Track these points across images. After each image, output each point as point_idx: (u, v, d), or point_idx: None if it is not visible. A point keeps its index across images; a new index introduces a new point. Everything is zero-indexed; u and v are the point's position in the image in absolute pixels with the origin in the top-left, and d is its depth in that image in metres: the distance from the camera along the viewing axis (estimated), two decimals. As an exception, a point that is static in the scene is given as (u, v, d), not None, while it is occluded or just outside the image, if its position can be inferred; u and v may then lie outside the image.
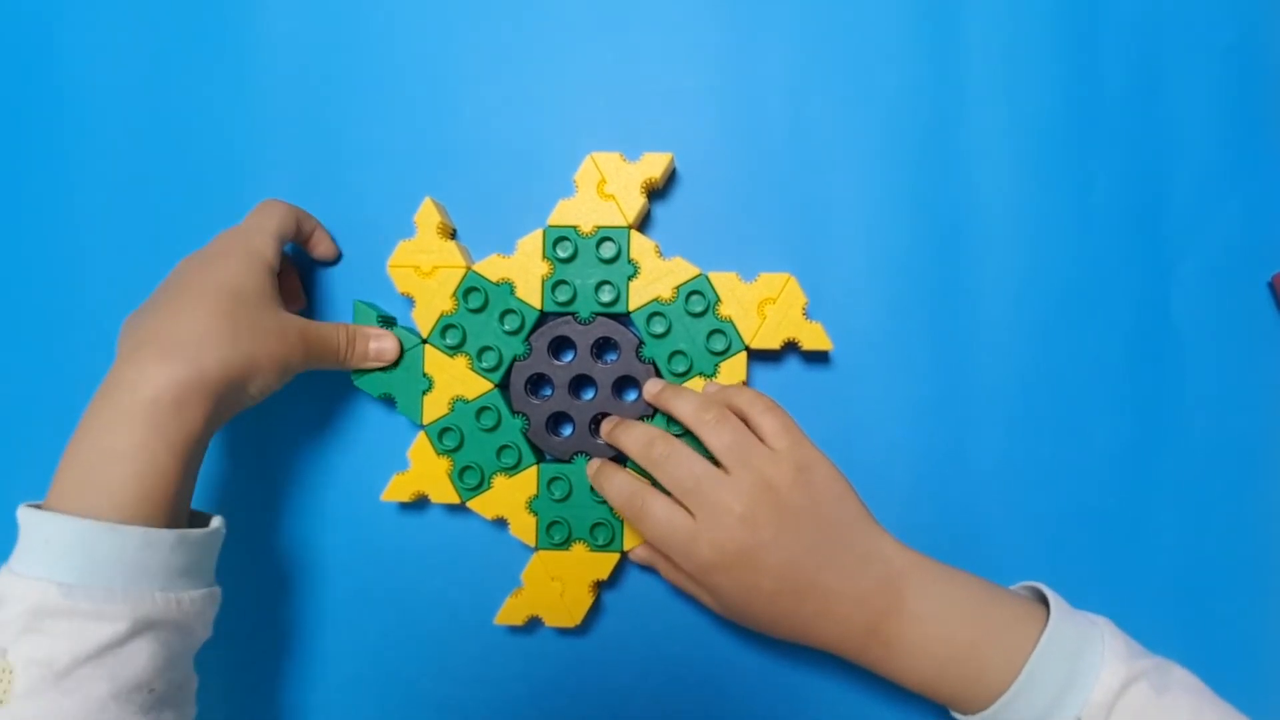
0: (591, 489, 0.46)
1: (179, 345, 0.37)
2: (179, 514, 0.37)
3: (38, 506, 0.35)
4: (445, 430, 0.47)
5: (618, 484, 0.43)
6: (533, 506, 0.47)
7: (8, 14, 0.51)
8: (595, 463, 0.46)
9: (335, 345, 0.45)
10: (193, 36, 0.50)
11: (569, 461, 0.47)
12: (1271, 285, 0.48)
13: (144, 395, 0.36)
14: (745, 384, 0.46)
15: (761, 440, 0.42)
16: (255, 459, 0.49)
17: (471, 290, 0.46)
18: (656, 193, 0.49)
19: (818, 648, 0.42)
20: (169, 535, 0.35)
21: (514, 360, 0.47)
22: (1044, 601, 0.41)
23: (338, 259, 0.49)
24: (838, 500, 0.41)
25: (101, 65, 0.50)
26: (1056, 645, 0.38)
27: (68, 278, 0.50)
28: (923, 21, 0.49)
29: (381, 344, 0.46)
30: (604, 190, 0.46)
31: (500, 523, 0.48)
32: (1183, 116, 0.48)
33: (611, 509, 0.46)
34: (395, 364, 0.47)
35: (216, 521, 0.39)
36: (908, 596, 0.40)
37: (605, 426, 0.46)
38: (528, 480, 0.47)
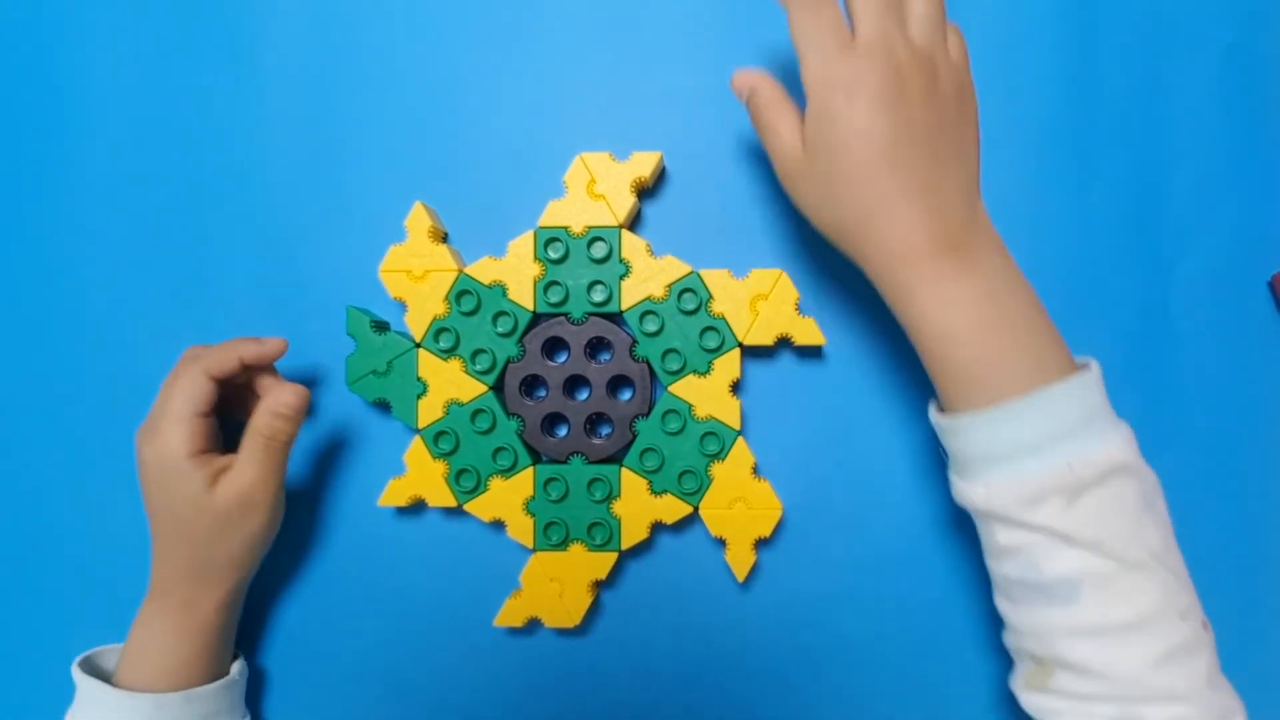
0: (588, 488, 0.46)
1: (163, 583, 0.45)
2: (211, 668, 0.45)
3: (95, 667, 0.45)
4: (440, 434, 0.47)
5: None
6: (529, 508, 0.47)
7: (7, 14, 0.51)
8: None
9: (265, 459, 0.44)
10: (185, 43, 0.50)
11: (565, 462, 0.47)
12: (1271, 285, 0.48)
13: (158, 606, 0.45)
14: (739, 382, 0.46)
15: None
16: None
17: (464, 293, 0.47)
18: (646, 192, 0.49)
19: (855, 245, 0.37)
20: (175, 697, 0.43)
21: (508, 362, 0.47)
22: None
23: (284, 349, 0.45)
24: (969, 133, 0.39)
25: (98, 68, 0.50)
26: (1086, 388, 0.35)
27: (67, 277, 0.50)
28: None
29: (281, 397, 0.44)
30: (594, 190, 0.46)
31: (497, 525, 0.48)
32: (1183, 116, 0.48)
33: (609, 508, 0.46)
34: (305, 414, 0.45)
35: (234, 669, 0.46)
36: (976, 247, 0.36)
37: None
38: (524, 482, 0.47)
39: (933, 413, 0.39)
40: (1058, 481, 0.34)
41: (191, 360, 0.44)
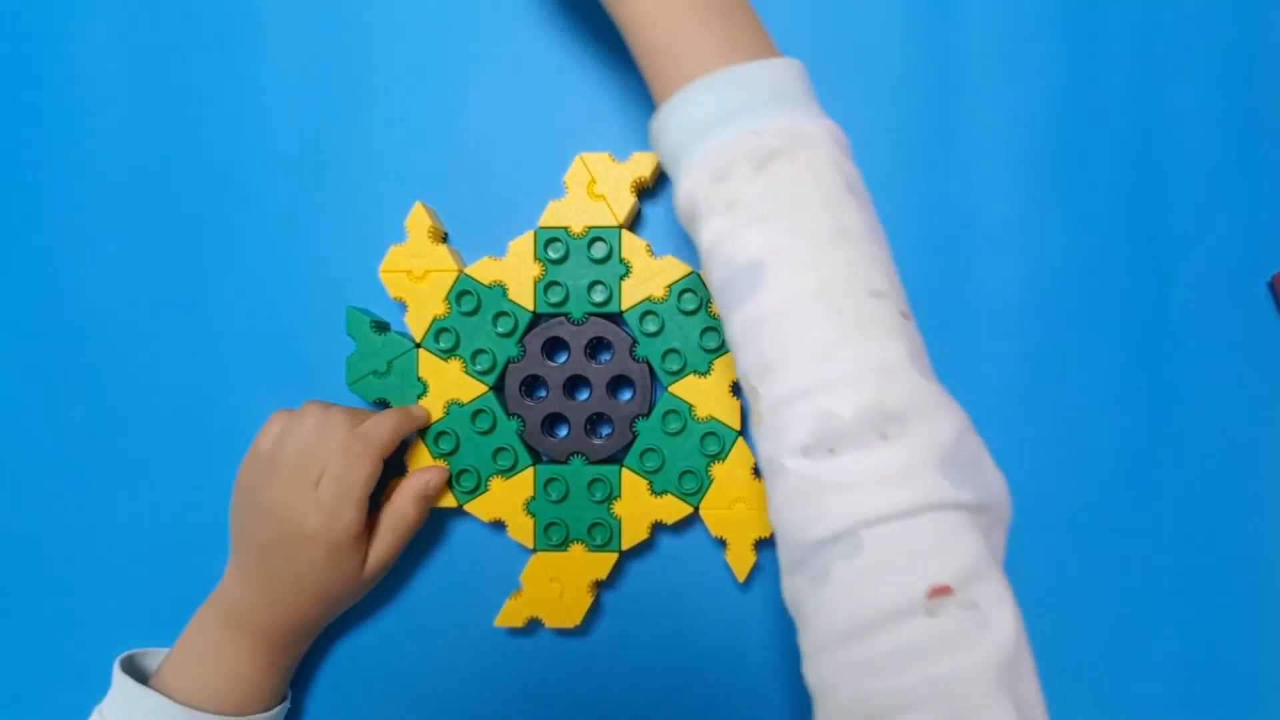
0: (588, 488, 0.46)
1: (248, 616, 0.44)
2: (259, 701, 0.45)
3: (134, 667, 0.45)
4: (441, 434, 0.47)
5: None
6: (530, 508, 0.47)
7: (7, 14, 0.51)
8: None
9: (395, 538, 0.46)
10: (185, 44, 0.50)
11: (565, 463, 0.47)
12: (1271, 285, 0.48)
13: (233, 631, 0.45)
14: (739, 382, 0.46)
15: None
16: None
17: (464, 293, 0.46)
18: (646, 192, 0.49)
19: None
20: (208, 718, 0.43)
21: (508, 362, 0.47)
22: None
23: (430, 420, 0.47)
24: None
25: (97, 69, 0.50)
26: (786, 71, 0.33)
27: (66, 278, 0.50)
28: (921, 18, 0.48)
29: (429, 479, 0.46)
30: (594, 190, 0.46)
31: (498, 525, 0.48)
32: (1183, 116, 0.48)
33: (609, 508, 0.46)
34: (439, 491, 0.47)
35: (275, 710, 0.46)
36: None
37: None
38: (524, 482, 0.47)
39: (650, 125, 0.35)
40: (743, 148, 0.31)
41: (363, 440, 0.43)
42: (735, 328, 0.32)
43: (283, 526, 0.43)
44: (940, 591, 0.27)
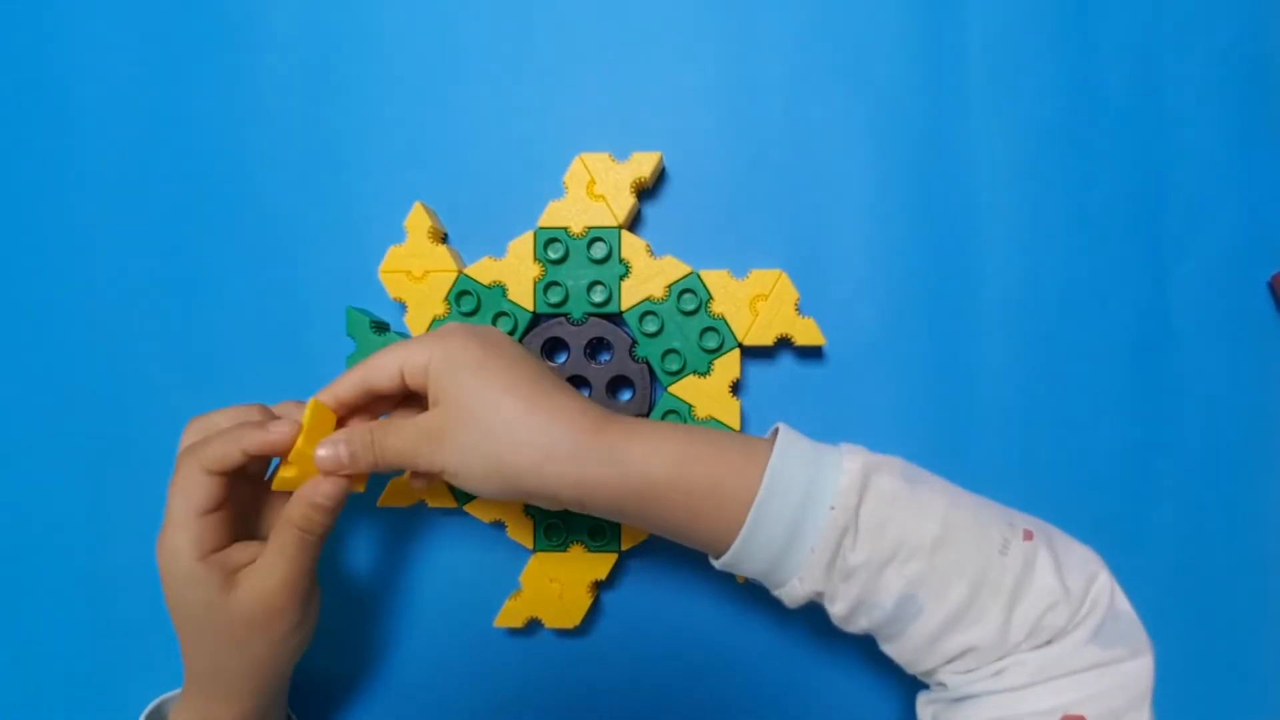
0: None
1: (188, 691, 0.42)
2: None
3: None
4: (440, 434, 0.47)
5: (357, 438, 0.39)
6: (529, 508, 0.47)
7: (7, 14, 0.51)
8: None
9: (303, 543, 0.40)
10: (184, 45, 0.50)
11: (565, 463, 0.47)
12: (1271, 285, 0.48)
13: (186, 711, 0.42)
14: (739, 382, 0.46)
15: None
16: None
17: (464, 294, 0.47)
18: (646, 192, 0.49)
19: (536, 489, 0.37)
20: None
21: (507, 363, 0.47)
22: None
23: (294, 437, 0.39)
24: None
25: (97, 72, 0.50)
26: (793, 447, 0.36)
27: (66, 280, 0.50)
28: (920, 18, 0.48)
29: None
30: (593, 191, 0.46)
31: (498, 525, 0.48)
32: (1183, 116, 0.48)
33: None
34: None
35: None
36: (626, 426, 0.37)
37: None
38: (524, 482, 0.47)
39: (715, 563, 0.38)
40: (834, 528, 0.35)
41: (189, 454, 0.39)
42: (905, 646, 0.36)
43: (166, 586, 0.39)
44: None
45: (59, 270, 0.50)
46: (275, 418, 0.41)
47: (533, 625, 0.49)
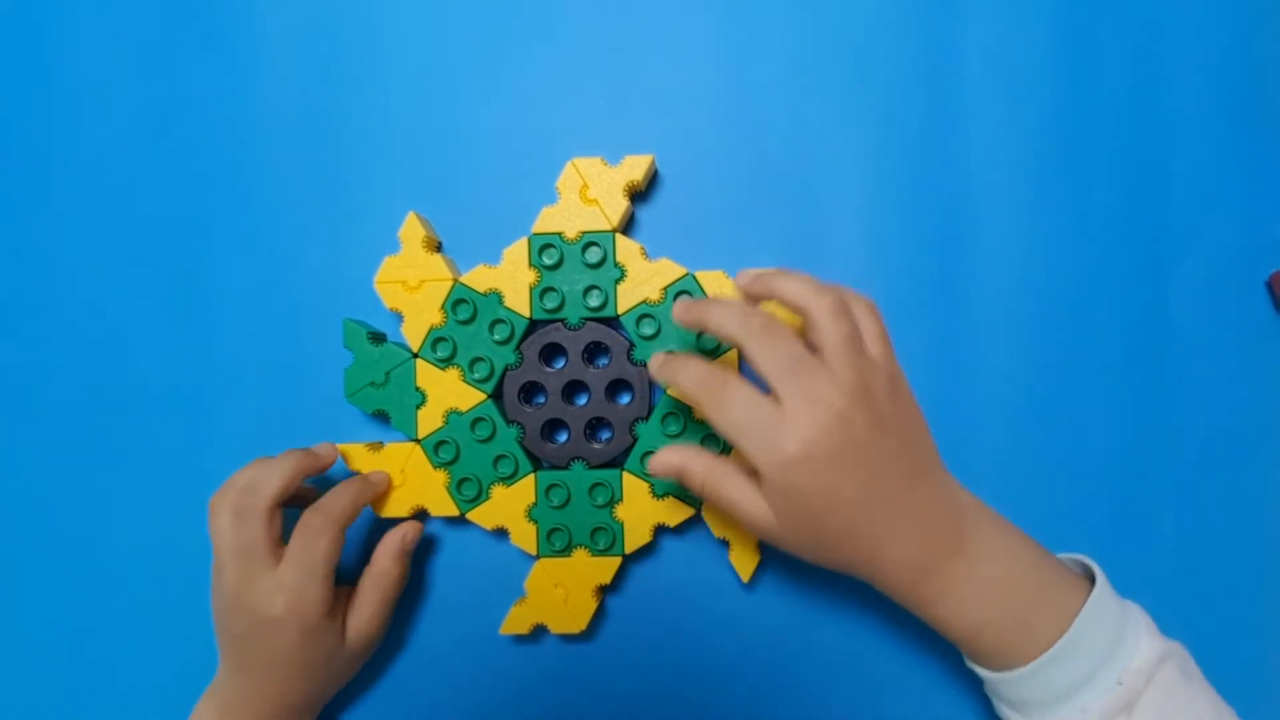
0: (590, 493, 0.46)
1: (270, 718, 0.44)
2: None
3: None
4: (441, 443, 0.47)
5: (692, 367, 0.39)
6: (532, 515, 0.47)
7: (6, 15, 0.51)
8: (659, 356, 0.41)
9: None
10: (179, 55, 0.50)
11: (566, 468, 0.47)
12: (1269, 284, 0.48)
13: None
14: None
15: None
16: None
17: (460, 302, 0.46)
18: (639, 195, 0.49)
19: (865, 577, 0.39)
20: None
21: (506, 370, 0.47)
22: (1087, 573, 0.40)
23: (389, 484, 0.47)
24: (918, 423, 0.40)
25: (90, 79, 0.50)
26: (1103, 609, 0.38)
27: (63, 294, 0.51)
28: (919, 18, 0.48)
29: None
30: (587, 195, 0.46)
31: (500, 533, 0.48)
32: (1183, 116, 0.48)
33: (612, 513, 0.46)
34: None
35: None
36: (971, 539, 0.39)
37: (654, 361, 0.41)
38: (526, 489, 0.47)
39: (976, 668, 0.40)
40: (1115, 703, 0.36)
41: (322, 515, 0.43)
42: None
43: (250, 616, 0.42)
44: None
45: (54, 283, 0.51)
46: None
47: (538, 631, 0.49)
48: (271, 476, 0.42)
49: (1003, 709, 0.40)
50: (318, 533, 0.42)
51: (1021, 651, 0.37)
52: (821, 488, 0.36)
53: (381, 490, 0.46)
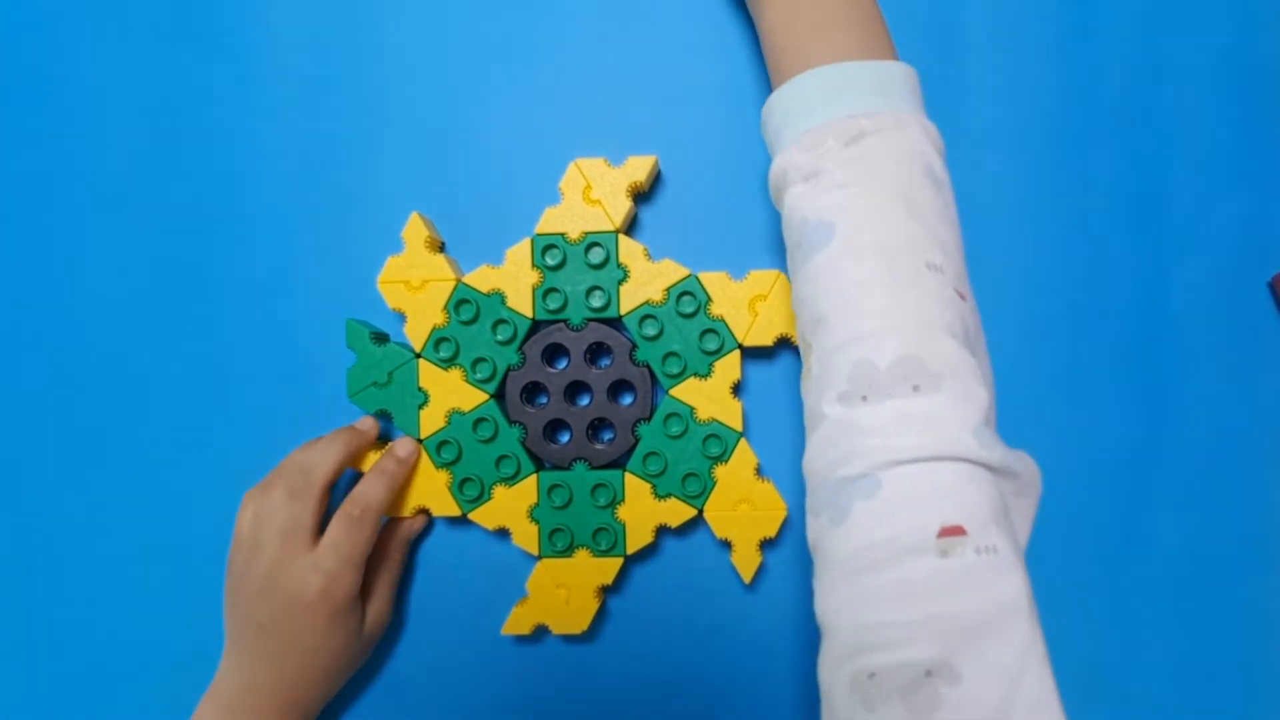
0: (592, 493, 0.46)
1: (275, 715, 0.44)
2: None
3: None
4: (443, 443, 0.47)
5: None
6: (534, 515, 0.47)
7: (7, 15, 0.51)
8: None
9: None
10: (181, 56, 0.50)
11: (568, 468, 0.47)
12: (1271, 286, 0.47)
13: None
14: (740, 383, 0.46)
15: None
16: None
17: (462, 302, 0.47)
18: (642, 196, 0.49)
19: None
20: None
21: (508, 370, 0.47)
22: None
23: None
24: None
25: (92, 81, 0.50)
26: (897, 76, 0.36)
27: (63, 295, 0.51)
28: (920, 18, 0.48)
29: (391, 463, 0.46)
30: (590, 196, 0.46)
31: (502, 533, 0.48)
32: (1183, 116, 0.48)
33: (614, 513, 0.46)
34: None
35: None
36: None
37: None
38: (528, 489, 0.47)
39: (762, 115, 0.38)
40: (836, 127, 0.34)
41: (361, 506, 0.44)
42: (800, 285, 0.34)
43: (283, 598, 0.42)
44: (951, 531, 0.28)
45: (57, 283, 0.51)
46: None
47: (540, 632, 0.49)
48: (325, 457, 0.44)
49: (770, 181, 0.38)
50: (358, 523, 0.44)
51: (804, 60, 0.36)
52: None
53: (412, 464, 0.47)
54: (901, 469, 0.29)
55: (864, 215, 0.33)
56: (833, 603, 0.30)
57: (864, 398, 0.30)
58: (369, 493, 0.45)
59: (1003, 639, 0.27)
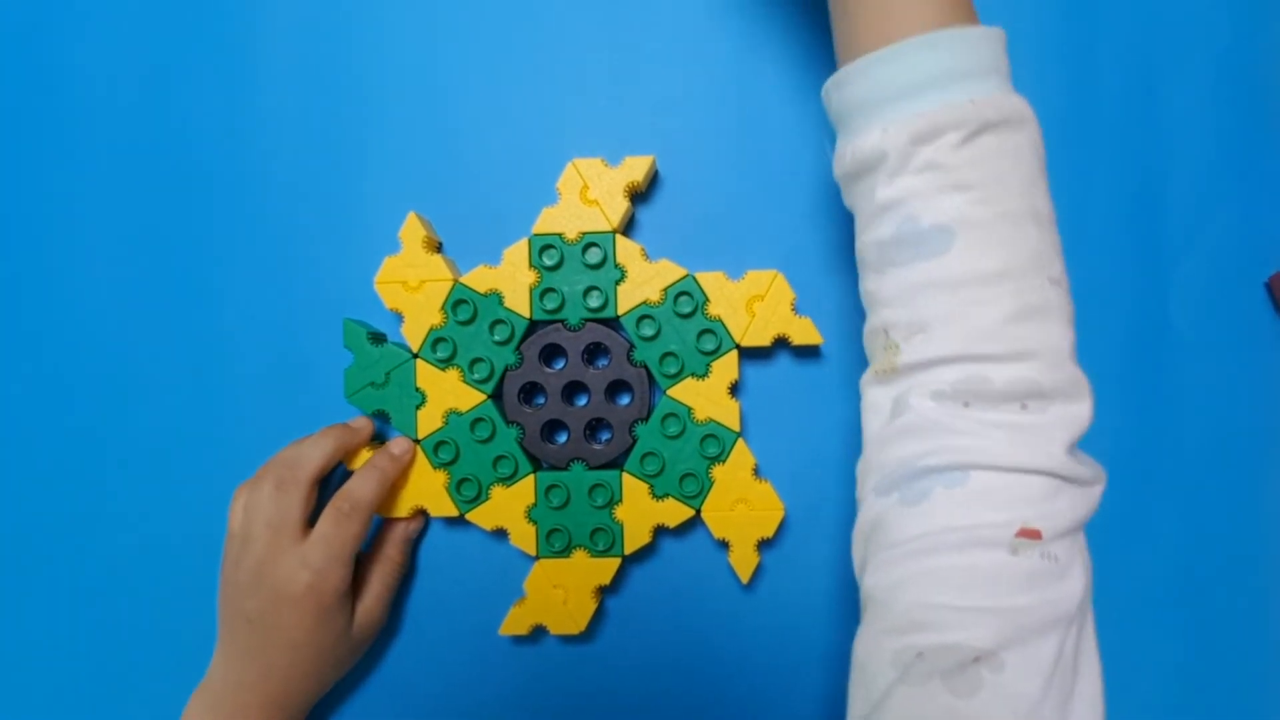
0: (589, 494, 0.46)
1: (264, 710, 0.44)
2: None
3: None
4: (440, 443, 0.47)
5: None
6: (531, 515, 0.47)
7: (7, 15, 0.51)
8: None
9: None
10: (180, 57, 0.50)
11: (565, 469, 0.47)
12: (1268, 286, 0.48)
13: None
14: (737, 383, 0.46)
15: None
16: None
17: (460, 303, 0.46)
18: (640, 196, 0.49)
19: None
20: None
21: (505, 370, 0.47)
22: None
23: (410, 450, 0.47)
24: None
25: (89, 83, 0.50)
26: (999, 46, 0.33)
27: (61, 298, 0.51)
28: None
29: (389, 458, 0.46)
30: (587, 196, 0.46)
31: (500, 533, 0.48)
32: (1181, 117, 0.48)
33: (611, 513, 0.46)
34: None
35: None
36: None
37: None
38: (525, 489, 0.47)
39: (825, 88, 0.35)
40: (957, 116, 0.31)
41: (351, 501, 0.44)
42: (891, 283, 0.33)
43: (271, 592, 0.42)
44: (1028, 534, 0.29)
45: (56, 283, 0.51)
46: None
47: (538, 632, 0.49)
48: (314, 452, 0.44)
49: (836, 149, 0.35)
50: (347, 518, 0.44)
51: (885, 29, 0.33)
52: None
53: (406, 462, 0.47)
54: (993, 472, 0.30)
55: (990, 229, 0.31)
56: (888, 579, 0.30)
57: (966, 404, 0.31)
58: (359, 488, 0.44)
59: (1053, 640, 0.28)
